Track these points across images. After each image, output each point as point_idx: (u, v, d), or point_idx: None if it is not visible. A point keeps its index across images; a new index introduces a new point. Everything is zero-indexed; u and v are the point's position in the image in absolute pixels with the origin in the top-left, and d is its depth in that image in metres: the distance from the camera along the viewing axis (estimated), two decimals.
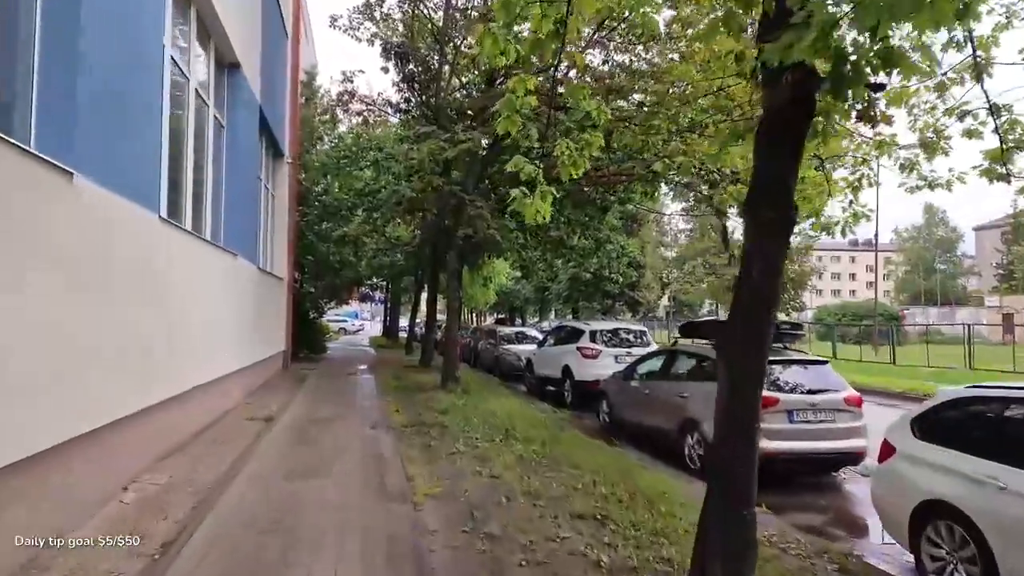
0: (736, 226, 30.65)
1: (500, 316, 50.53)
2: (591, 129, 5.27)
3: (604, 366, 11.36)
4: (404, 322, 32.01)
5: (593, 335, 12.16)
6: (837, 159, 6.93)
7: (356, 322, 51.91)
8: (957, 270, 71.16)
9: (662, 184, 14.61)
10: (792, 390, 6.68)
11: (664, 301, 60.57)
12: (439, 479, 5.71)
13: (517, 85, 4.96)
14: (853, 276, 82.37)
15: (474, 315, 45.94)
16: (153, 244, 5.56)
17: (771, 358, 7.06)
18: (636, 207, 15.68)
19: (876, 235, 31.31)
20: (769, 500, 6.21)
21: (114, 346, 4.72)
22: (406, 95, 13.97)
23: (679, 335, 8.71)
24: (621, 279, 31.29)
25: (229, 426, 7.70)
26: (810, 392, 6.68)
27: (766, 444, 6.29)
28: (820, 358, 7.48)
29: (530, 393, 13.93)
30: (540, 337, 17.64)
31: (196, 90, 7.33)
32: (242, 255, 9.35)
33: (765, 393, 6.62)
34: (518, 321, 46.99)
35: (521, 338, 18.58)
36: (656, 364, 8.46)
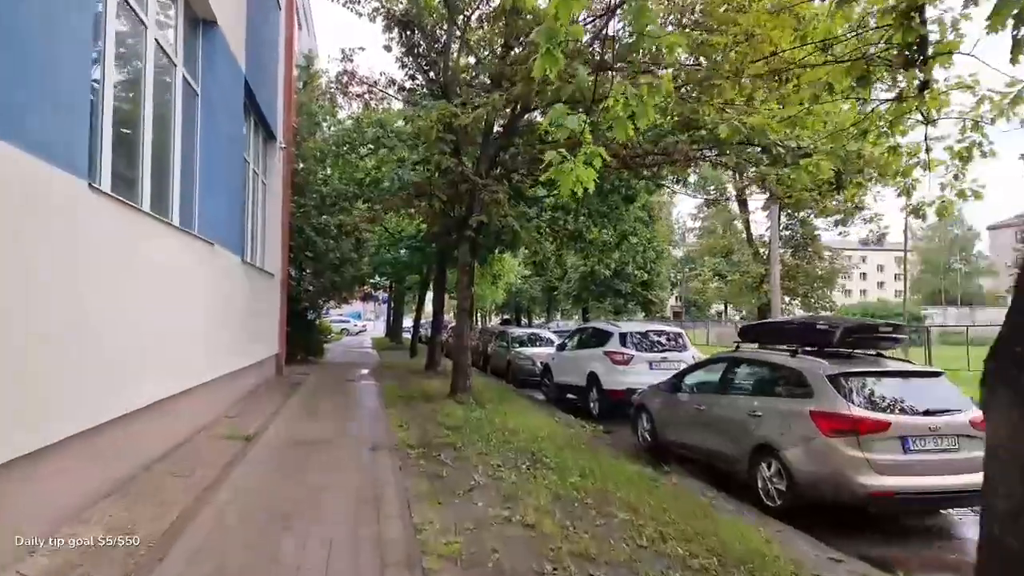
0: (760, 220, 29.18)
1: (505, 317, 49.08)
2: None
3: (637, 373, 10.02)
4: (408, 323, 30.74)
5: (623, 338, 10.71)
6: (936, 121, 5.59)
7: (359, 323, 50.70)
8: (974, 269, 69.45)
9: (692, 168, 13.19)
10: (904, 411, 5.24)
11: (672, 301, 58.95)
12: (456, 530, 4.34)
13: (560, 6, 3.62)
14: (864, 276, 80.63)
15: (479, 315, 44.57)
16: (81, 221, 4.21)
17: (870, 369, 5.68)
18: (671, 190, 14.24)
19: (905, 229, 29.94)
20: (875, 552, 4.86)
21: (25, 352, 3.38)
22: (411, 72, 12.55)
23: (740, 339, 7.31)
24: (647, 275, 29.83)
25: (198, 449, 6.34)
26: (927, 413, 5.26)
27: (875, 480, 4.92)
28: (933, 369, 6.07)
29: (548, 402, 12.58)
30: (554, 339, 16.37)
31: (156, 40, 5.97)
32: (221, 245, 8.01)
33: (872, 415, 5.21)
34: (524, 321, 45.63)
35: (534, 340, 17.29)
36: (713, 374, 7.03)
